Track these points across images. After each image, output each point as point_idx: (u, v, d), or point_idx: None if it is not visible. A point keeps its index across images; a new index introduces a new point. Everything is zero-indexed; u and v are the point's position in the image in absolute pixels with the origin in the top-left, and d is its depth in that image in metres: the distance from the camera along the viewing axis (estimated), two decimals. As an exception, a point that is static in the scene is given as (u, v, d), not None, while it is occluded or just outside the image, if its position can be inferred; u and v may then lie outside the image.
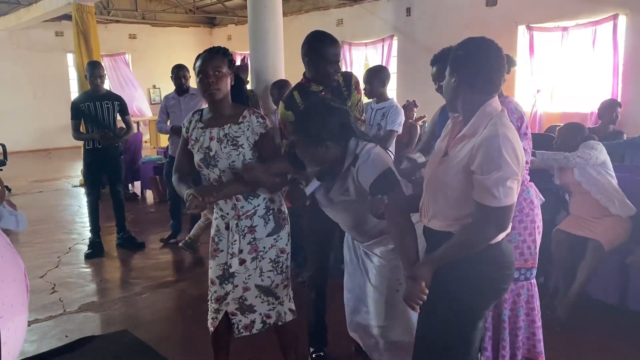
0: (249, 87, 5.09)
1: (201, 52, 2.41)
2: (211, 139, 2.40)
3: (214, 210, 2.56)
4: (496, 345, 2.54)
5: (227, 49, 2.42)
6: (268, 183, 2.38)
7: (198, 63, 2.35)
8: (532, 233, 2.46)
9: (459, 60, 1.87)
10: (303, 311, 2.89)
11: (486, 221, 1.78)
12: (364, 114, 3.03)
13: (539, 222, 2.51)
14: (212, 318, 2.57)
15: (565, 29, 7.53)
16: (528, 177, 2.52)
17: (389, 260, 2.37)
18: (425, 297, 1.87)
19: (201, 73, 2.32)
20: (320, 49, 2.71)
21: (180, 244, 4.98)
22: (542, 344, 2.54)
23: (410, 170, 3.02)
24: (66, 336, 3.40)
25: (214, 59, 2.33)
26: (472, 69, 1.84)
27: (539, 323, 2.54)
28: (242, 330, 2.55)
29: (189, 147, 2.47)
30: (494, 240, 1.85)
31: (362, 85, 3.23)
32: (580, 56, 7.49)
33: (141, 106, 13.27)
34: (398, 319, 2.42)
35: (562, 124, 4.07)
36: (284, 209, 2.59)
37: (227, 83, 2.37)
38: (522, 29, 8.04)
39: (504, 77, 2.43)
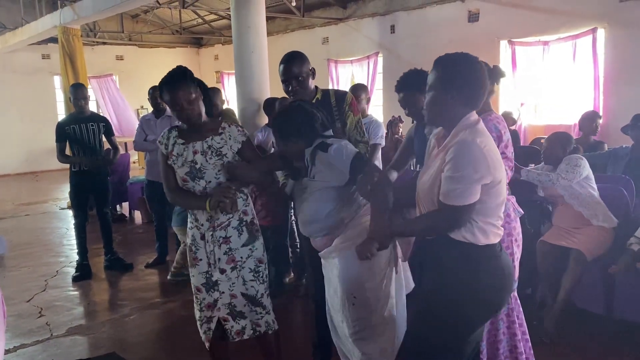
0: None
1: (162, 78, 2.45)
2: (195, 152, 2.47)
3: (189, 220, 2.62)
4: (476, 357, 2.53)
5: (186, 70, 2.47)
6: (253, 178, 2.58)
7: (167, 97, 2.42)
8: (509, 246, 2.47)
9: (449, 75, 1.91)
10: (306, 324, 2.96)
11: (440, 215, 1.90)
12: (365, 136, 3.04)
13: (517, 235, 2.52)
14: (205, 332, 2.59)
15: (546, 43, 7.66)
16: (508, 191, 2.52)
17: (342, 270, 2.40)
18: (373, 255, 2.13)
19: (174, 105, 2.41)
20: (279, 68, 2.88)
21: (168, 277, 4.81)
22: (524, 357, 2.53)
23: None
24: (53, 360, 3.37)
25: (181, 89, 2.39)
26: (462, 83, 1.89)
27: (520, 336, 2.53)
28: (234, 336, 2.61)
29: (169, 162, 2.51)
30: (488, 241, 1.89)
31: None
32: (561, 69, 7.61)
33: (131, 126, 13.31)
34: (367, 330, 2.46)
35: (546, 136, 4.13)
36: (256, 221, 2.68)
37: (200, 103, 2.47)
38: (504, 44, 8.16)
39: (491, 90, 2.51)
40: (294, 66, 2.79)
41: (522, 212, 2.64)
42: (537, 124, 7.99)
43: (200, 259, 2.56)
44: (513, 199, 2.58)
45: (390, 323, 2.45)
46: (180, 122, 2.55)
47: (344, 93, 3.00)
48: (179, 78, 2.40)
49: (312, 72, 2.88)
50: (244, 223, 2.58)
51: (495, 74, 2.53)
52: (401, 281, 2.50)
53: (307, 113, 2.51)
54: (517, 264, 2.52)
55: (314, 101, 2.85)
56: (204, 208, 2.46)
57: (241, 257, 2.56)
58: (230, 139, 2.53)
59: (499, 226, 1.95)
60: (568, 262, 3.44)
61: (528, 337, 2.59)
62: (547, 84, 7.81)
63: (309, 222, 2.55)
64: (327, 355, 3.03)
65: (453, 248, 1.91)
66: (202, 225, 2.54)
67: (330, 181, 2.42)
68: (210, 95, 2.60)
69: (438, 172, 1.89)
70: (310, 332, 3.07)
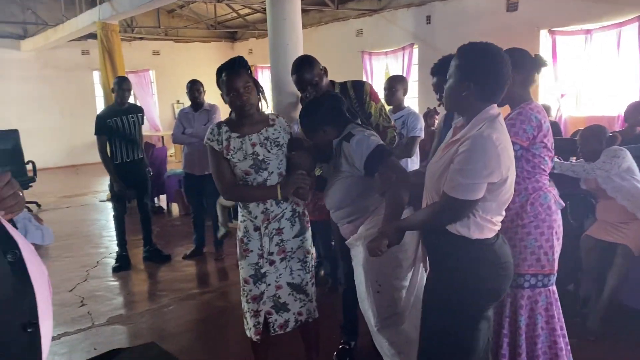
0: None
1: (222, 64, 2.48)
2: (253, 144, 2.49)
3: (240, 214, 2.64)
4: (513, 352, 2.49)
5: (243, 58, 2.50)
6: (313, 167, 2.66)
7: (225, 80, 2.44)
8: (549, 239, 2.41)
9: (468, 66, 1.89)
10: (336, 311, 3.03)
11: (441, 207, 1.90)
12: (393, 121, 3.13)
13: (558, 228, 2.45)
14: (255, 325, 2.62)
15: (588, 31, 7.41)
16: (547, 183, 2.47)
17: (368, 257, 2.39)
18: (383, 252, 2.11)
19: (232, 91, 2.43)
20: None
21: (219, 237, 5.16)
22: (564, 352, 2.47)
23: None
24: (95, 349, 3.45)
25: (241, 75, 2.43)
26: (480, 76, 1.88)
27: (560, 331, 2.47)
28: (277, 330, 2.64)
29: (227, 157, 2.51)
30: (481, 236, 1.91)
31: (381, 93, 3.28)
32: (605, 59, 7.35)
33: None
34: (393, 317, 2.50)
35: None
36: (307, 212, 2.72)
37: (254, 94, 2.49)
38: (544, 34, 7.93)
39: (532, 79, 2.46)
40: (305, 73, 2.88)
41: (564, 205, 2.57)
42: (579, 116, 7.76)
43: (251, 250, 2.58)
44: (555, 191, 2.51)
45: (417, 312, 2.45)
46: (220, 117, 2.55)
47: (362, 83, 3.08)
48: (239, 65, 2.46)
49: (324, 72, 2.96)
50: (296, 214, 2.62)
51: (537, 63, 2.47)
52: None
53: (335, 99, 2.55)
54: (556, 257, 2.45)
55: None
56: (274, 197, 2.49)
57: (292, 248, 2.60)
58: (282, 129, 2.58)
59: (496, 222, 1.96)
60: (614, 258, 3.33)
61: (565, 332, 2.52)
62: (590, 74, 7.57)
63: (335, 209, 2.60)
64: (354, 336, 3.16)
65: (447, 239, 1.94)
66: (255, 217, 2.56)
67: (353, 171, 2.43)
68: (262, 92, 2.59)
69: (448, 162, 1.88)
70: (343, 314, 3.17)
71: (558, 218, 2.48)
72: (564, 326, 2.53)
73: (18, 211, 1.25)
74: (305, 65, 2.90)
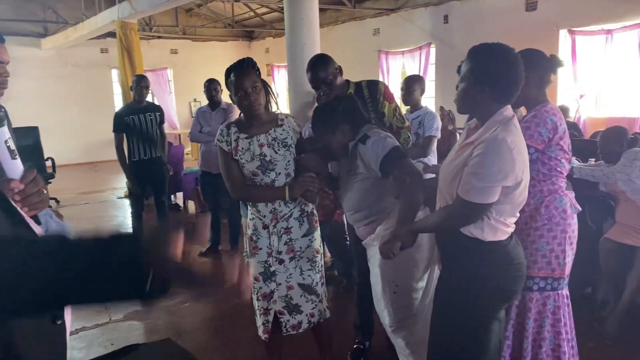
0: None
1: (231, 65, 2.49)
2: (261, 145, 2.49)
3: (250, 212, 2.65)
4: (516, 354, 2.47)
5: (252, 59, 2.51)
6: (323, 169, 2.68)
7: (233, 80, 2.44)
8: (561, 243, 2.38)
9: (482, 69, 1.87)
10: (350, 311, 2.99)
11: (455, 210, 1.90)
12: (407, 122, 3.12)
13: (572, 233, 2.43)
14: (264, 323, 2.64)
15: (609, 31, 7.31)
16: (563, 186, 2.44)
17: (383, 261, 2.38)
18: (395, 254, 2.10)
19: (240, 91, 2.42)
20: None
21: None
22: (567, 357, 2.45)
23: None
24: (112, 344, 3.49)
25: (250, 75, 2.43)
26: (494, 79, 1.85)
27: (565, 336, 2.44)
28: (289, 330, 2.65)
29: (236, 158, 2.52)
30: (495, 238, 1.90)
31: (397, 92, 3.27)
32: (626, 59, 7.24)
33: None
34: (409, 318, 2.50)
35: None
36: (316, 212, 2.72)
37: (263, 95, 2.48)
38: (563, 34, 7.84)
39: (548, 80, 2.44)
40: (320, 71, 2.88)
41: (580, 209, 2.53)
42: (598, 117, 7.66)
43: (260, 248, 2.60)
44: (571, 195, 2.48)
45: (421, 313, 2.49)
46: (237, 116, 2.56)
47: (377, 83, 3.07)
48: (248, 65, 2.47)
49: (339, 71, 2.95)
50: (305, 214, 2.62)
51: (553, 63, 2.45)
52: None
53: (347, 99, 2.56)
54: (568, 261, 2.43)
55: None
56: (282, 198, 2.50)
57: (300, 247, 2.60)
58: (290, 129, 2.57)
59: (509, 224, 1.95)
60: (633, 261, 3.29)
61: (572, 337, 2.49)
62: (610, 75, 7.46)
63: (353, 211, 2.60)
64: (369, 336, 3.15)
65: (460, 240, 1.93)
66: (264, 216, 2.58)
67: (370, 173, 2.43)
68: (270, 92, 2.60)
69: (462, 165, 1.87)
70: (357, 314, 3.17)
71: (573, 223, 2.45)
72: (571, 331, 2.50)
73: (41, 208, 1.27)
74: (319, 64, 2.91)
